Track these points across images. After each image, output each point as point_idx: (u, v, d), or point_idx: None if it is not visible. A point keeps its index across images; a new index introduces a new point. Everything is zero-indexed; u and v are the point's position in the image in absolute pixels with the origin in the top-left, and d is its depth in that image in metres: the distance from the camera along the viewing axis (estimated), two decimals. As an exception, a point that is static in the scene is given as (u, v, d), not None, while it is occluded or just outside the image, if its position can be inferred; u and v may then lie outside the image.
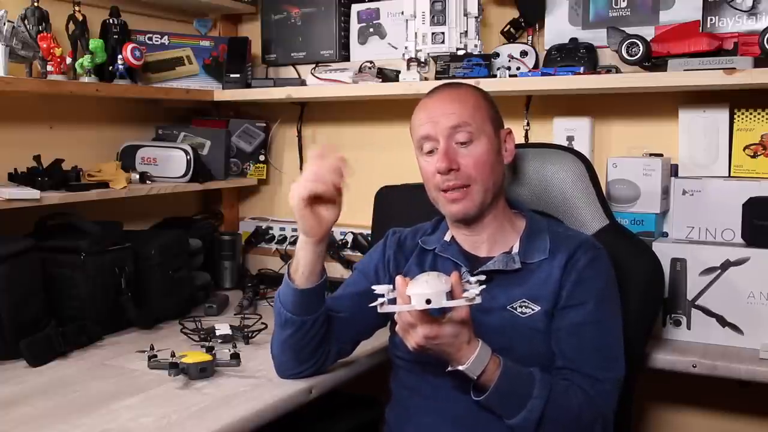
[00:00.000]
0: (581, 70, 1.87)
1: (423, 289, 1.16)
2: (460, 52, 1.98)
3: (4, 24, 1.80)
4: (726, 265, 1.66)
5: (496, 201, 1.45)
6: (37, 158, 1.91)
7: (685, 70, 1.72)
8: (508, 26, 2.10)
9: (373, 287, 1.24)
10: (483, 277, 1.27)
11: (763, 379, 1.55)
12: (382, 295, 1.22)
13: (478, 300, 1.19)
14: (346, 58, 2.34)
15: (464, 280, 1.22)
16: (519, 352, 1.32)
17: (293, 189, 1.34)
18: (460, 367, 1.24)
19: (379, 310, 1.21)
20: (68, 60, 1.99)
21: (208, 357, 1.53)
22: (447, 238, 1.49)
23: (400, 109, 2.30)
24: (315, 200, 1.35)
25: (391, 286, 1.23)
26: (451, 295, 1.18)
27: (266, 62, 2.48)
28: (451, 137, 1.39)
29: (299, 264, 1.39)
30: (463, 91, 1.45)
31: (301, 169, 2.49)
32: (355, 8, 2.33)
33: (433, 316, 1.20)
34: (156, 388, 1.45)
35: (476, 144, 1.39)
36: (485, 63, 1.95)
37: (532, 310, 1.37)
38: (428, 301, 1.15)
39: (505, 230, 1.46)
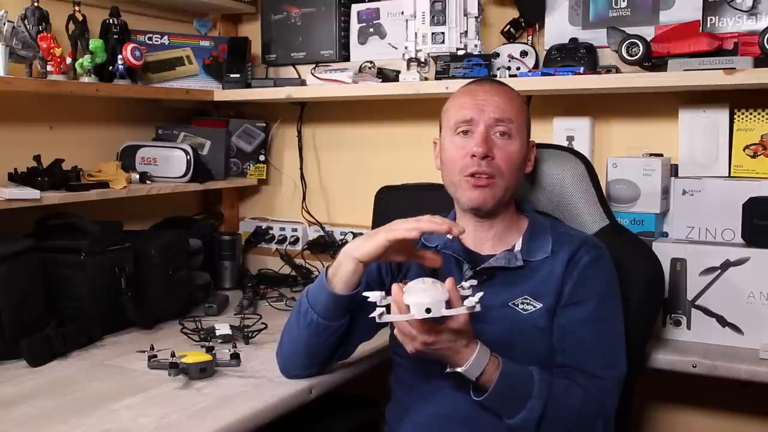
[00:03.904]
0: (581, 70, 1.87)
1: (422, 298, 1.16)
2: (460, 52, 1.98)
3: (4, 24, 1.80)
4: (726, 265, 1.66)
5: (509, 203, 1.46)
6: (37, 158, 1.91)
7: (685, 70, 1.72)
8: (508, 26, 2.10)
9: (365, 294, 1.24)
10: (475, 282, 1.27)
11: (763, 379, 1.55)
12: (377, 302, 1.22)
13: (478, 308, 1.19)
14: (346, 58, 2.34)
15: (457, 285, 1.22)
16: (520, 348, 1.33)
17: (402, 224, 1.31)
18: (459, 369, 1.24)
19: (377, 320, 1.21)
20: (68, 60, 1.99)
21: (208, 357, 1.52)
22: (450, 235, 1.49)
23: (400, 109, 2.31)
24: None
25: (383, 293, 1.23)
26: (449, 303, 1.17)
27: (266, 62, 2.48)
28: (492, 127, 1.40)
29: (339, 270, 1.36)
30: (512, 91, 1.48)
31: (301, 169, 2.51)
32: (355, 8, 2.33)
33: (431, 323, 1.19)
34: (156, 388, 1.45)
35: (513, 141, 1.41)
36: (485, 63, 1.95)
37: (534, 307, 1.37)
38: (428, 310, 1.15)
39: (510, 230, 1.47)
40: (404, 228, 1.30)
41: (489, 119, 1.40)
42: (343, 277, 1.35)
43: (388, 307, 1.22)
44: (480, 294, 1.20)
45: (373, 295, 1.22)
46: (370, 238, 1.32)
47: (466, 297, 1.20)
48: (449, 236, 1.29)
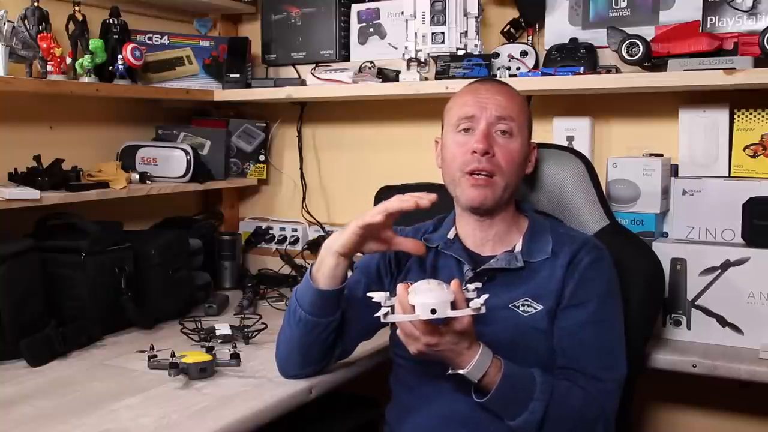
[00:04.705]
0: (581, 70, 1.87)
1: (427, 299, 1.16)
2: (460, 52, 1.98)
3: (4, 24, 1.80)
4: (726, 265, 1.66)
5: (509, 202, 1.45)
6: (37, 158, 1.91)
7: (685, 70, 1.72)
8: (508, 26, 2.10)
9: (369, 294, 1.24)
10: (480, 285, 1.27)
11: (763, 379, 1.55)
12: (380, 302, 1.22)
13: (483, 310, 1.19)
14: (346, 58, 2.34)
15: (462, 287, 1.22)
16: (520, 350, 1.32)
17: (371, 210, 1.34)
18: (461, 371, 1.24)
19: (382, 320, 1.21)
20: (68, 60, 1.99)
21: (208, 357, 1.53)
22: (450, 235, 1.49)
23: (400, 109, 2.31)
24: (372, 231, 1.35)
25: (387, 294, 1.23)
26: (453, 304, 1.17)
27: (266, 62, 2.48)
28: (494, 125, 1.40)
29: (321, 266, 1.38)
30: (514, 90, 1.49)
31: (301, 169, 2.51)
32: (355, 8, 2.33)
33: (435, 324, 1.19)
34: (156, 388, 1.45)
35: (514, 140, 1.41)
36: (485, 63, 1.95)
37: (534, 309, 1.37)
38: (433, 311, 1.15)
39: (510, 230, 1.47)
40: (371, 213, 1.32)
41: (491, 117, 1.40)
42: (326, 272, 1.37)
43: (392, 308, 1.22)
44: (485, 296, 1.20)
45: (378, 296, 1.23)
46: (345, 229, 1.35)
47: (471, 299, 1.20)
48: (424, 205, 1.30)
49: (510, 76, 1.94)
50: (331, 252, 1.36)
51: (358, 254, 2.35)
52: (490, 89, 1.45)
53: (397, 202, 1.31)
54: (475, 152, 1.38)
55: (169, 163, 2.22)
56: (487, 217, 1.44)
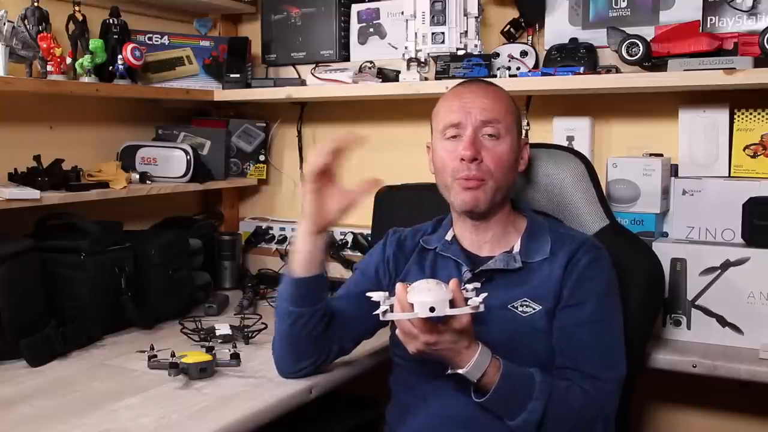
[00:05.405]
0: (581, 70, 1.87)
1: (426, 297, 1.16)
2: (460, 52, 1.98)
3: (4, 24, 1.80)
4: (726, 265, 1.66)
5: (503, 203, 1.45)
6: (37, 158, 1.91)
7: (685, 70, 1.72)
8: (508, 26, 2.10)
9: (368, 294, 1.24)
10: (479, 285, 1.27)
11: (763, 379, 1.55)
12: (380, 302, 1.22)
13: (482, 308, 1.19)
14: (346, 58, 2.34)
15: (461, 287, 1.23)
16: (519, 351, 1.32)
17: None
18: (460, 371, 1.24)
19: (381, 318, 1.21)
20: (68, 60, 1.99)
21: (208, 357, 1.53)
22: (448, 237, 1.49)
23: (400, 109, 2.31)
24: (324, 185, 1.40)
25: (386, 293, 1.23)
26: (452, 303, 1.18)
27: (266, 62, 2.48)
28: (480, 129, 1.40)
29: (296, 252, 1.43)
30: (499, 90, 1.47)
31: (301, 168, 2.51)
32: (355, 8, 2.33)
33: (434, 323, 1.19)
34: (156, 388, 1.45)
35: (501, 142, 1.40)
36: (485, 63, 1.95)
37: (533, 309, 1.37)
38: (432, 309, 1.15)
39: (508, 231, 1.47)
40: (310, 160, 1.39)
41: (476, 122, 1.39)
42: (300, 259, 1.43)
43: (391, 307, 1.22)
44: (484, 294, 1.20)
45: (377, 295, 1.23)
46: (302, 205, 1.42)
47: (469, 298, 1.20)
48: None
49: (510, 76, 1.94)
50: (300, 237, 1.42)
51: (358, 253, 2.35)
52: (475, 91, 1.43)
53: (332, 142, 1.38)
54: (463, 159, 1.38)
55: (169, 163, 2.22)
56: (482, 221, 1.44)
